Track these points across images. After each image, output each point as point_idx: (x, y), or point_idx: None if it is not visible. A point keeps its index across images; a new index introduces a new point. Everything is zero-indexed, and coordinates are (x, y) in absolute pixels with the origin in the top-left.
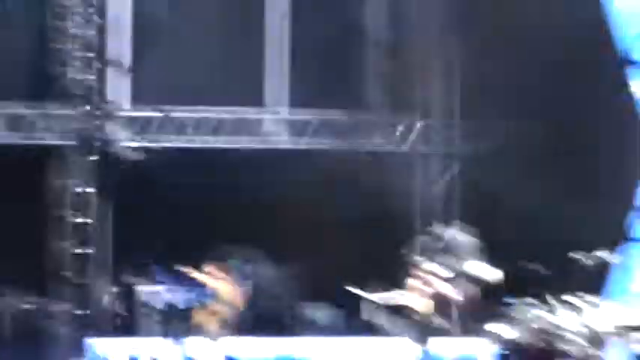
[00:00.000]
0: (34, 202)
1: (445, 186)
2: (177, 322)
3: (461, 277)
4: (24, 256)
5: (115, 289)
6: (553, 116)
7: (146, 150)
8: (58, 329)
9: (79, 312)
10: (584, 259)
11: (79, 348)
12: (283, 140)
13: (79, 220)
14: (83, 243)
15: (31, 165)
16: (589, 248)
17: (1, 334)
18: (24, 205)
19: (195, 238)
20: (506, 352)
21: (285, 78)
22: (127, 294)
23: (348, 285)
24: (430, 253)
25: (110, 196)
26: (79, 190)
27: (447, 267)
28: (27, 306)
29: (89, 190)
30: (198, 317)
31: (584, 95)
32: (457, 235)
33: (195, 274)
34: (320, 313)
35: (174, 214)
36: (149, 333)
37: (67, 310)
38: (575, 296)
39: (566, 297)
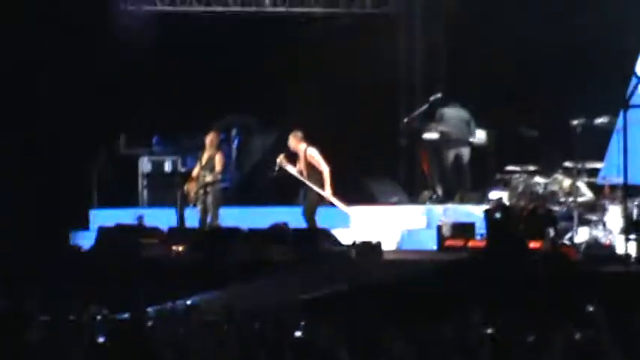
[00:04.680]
0: None
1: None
2: (165, 188)
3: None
4: None
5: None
6: None
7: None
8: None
9: None
10: (584, 126)
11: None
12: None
13: None
14: None
15: None
16: (589, 114)
17: None
18: None
19: (192, 105)
20: (496, 214)
21: None
22: (118, 160)
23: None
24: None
25: None
26: None
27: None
28: None
29: None
30: (186, 184)
31: None
32: (448, 108)
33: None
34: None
35: (168, 78)
36: (140, 200)
37: None
38: (574, 162)
39: (564, 163)
